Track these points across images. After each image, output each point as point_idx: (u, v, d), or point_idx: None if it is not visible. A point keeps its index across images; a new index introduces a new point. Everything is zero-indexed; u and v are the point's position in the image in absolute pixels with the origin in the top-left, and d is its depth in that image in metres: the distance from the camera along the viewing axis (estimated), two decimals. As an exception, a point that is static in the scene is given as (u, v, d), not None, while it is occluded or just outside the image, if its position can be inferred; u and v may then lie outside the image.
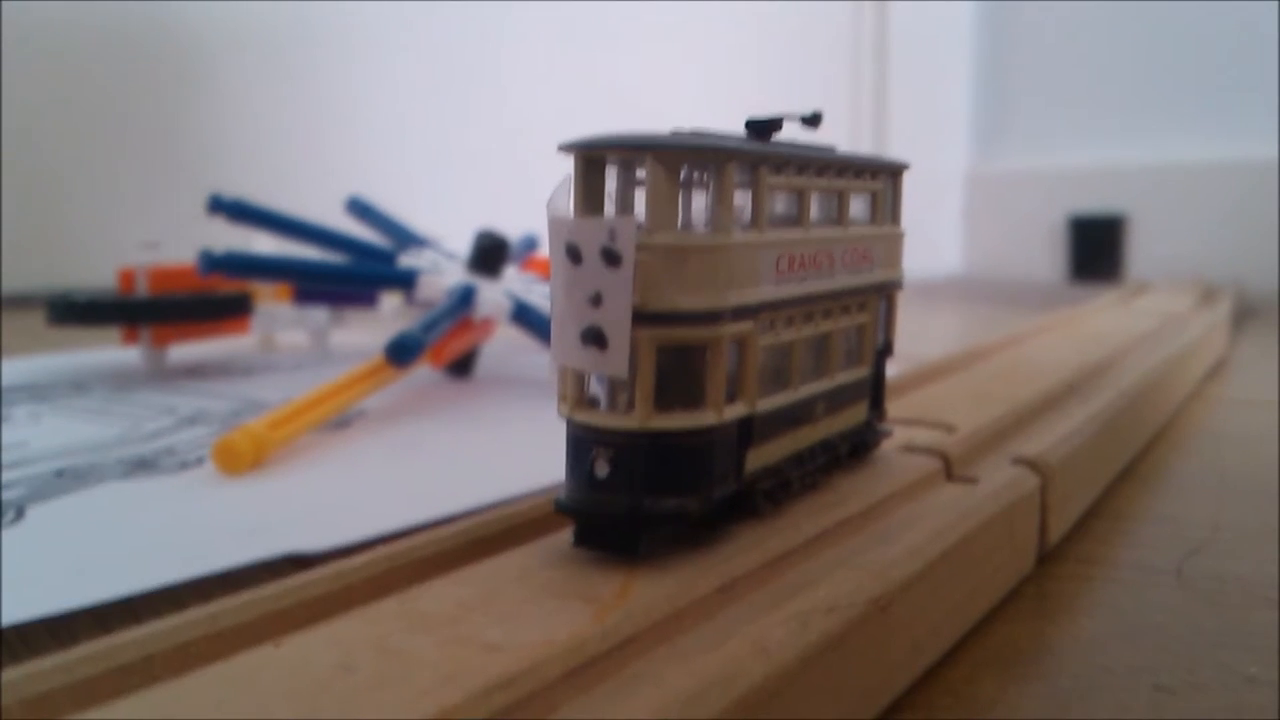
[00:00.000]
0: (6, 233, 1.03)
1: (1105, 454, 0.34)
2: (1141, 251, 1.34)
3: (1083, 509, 0.31)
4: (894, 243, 0.27)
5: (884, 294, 0.26)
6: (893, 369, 0.29)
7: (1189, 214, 1.28)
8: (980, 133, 1.58)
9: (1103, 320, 0.63)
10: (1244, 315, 0.88)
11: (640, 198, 0.19)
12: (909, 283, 0.28)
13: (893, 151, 1.39)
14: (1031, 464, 0.27)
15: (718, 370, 0.19)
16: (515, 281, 0.58)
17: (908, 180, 0.28)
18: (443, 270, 0.57)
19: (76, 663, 0.15)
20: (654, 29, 1.40)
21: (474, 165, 1.26)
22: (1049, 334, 0.56)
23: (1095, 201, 1.39)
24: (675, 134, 0.20)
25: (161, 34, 1.09)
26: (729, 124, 0.23)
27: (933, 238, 1.55)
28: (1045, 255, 1.45)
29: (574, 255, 0.19)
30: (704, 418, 0.19)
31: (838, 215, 0.24)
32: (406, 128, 1.23)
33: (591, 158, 0.20)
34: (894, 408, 0.31)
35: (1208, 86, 1.29)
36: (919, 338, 0.74)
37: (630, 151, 0.20)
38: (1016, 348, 0.50)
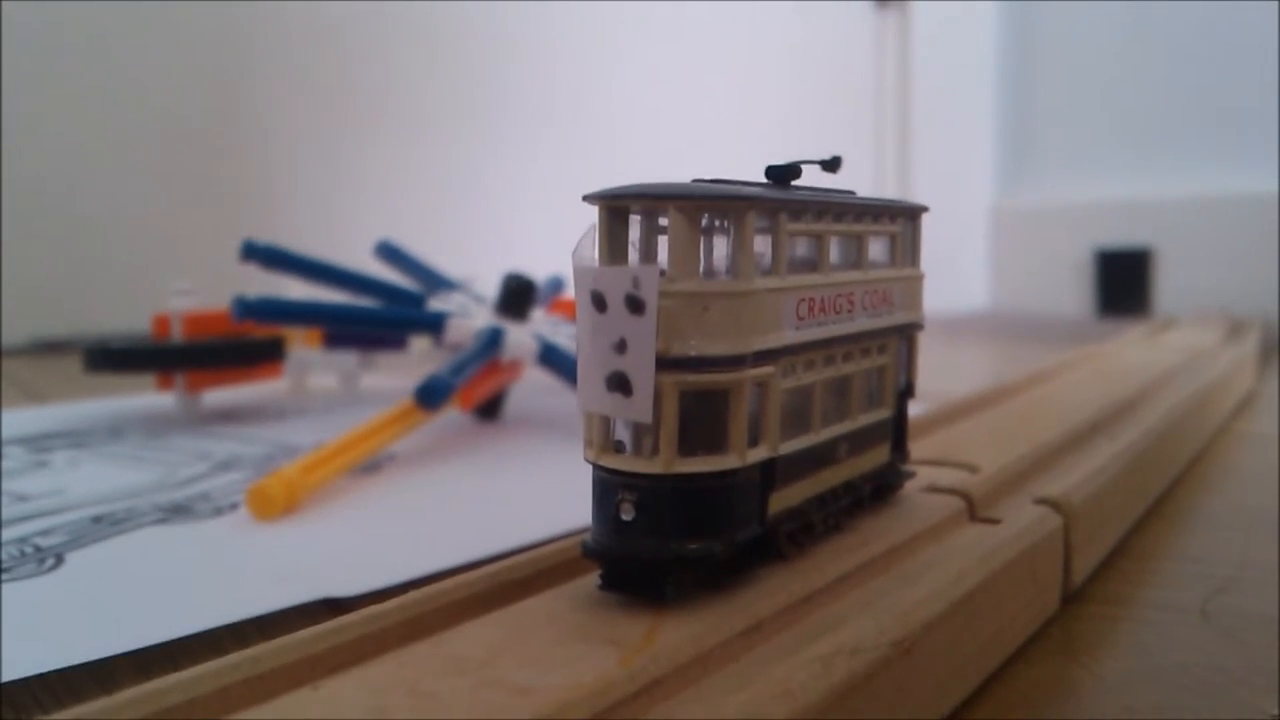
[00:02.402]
0: (44, 279, 1.05)
1: (1130, 493, 0.34)
2: (1169, 285, 1.33)
3: (1108, 548, 0.31)
4: (914, 284, 0.27)
5: (904, 336, 0.27)
6: (917, 408, 0.30)
7: (1216, 247, 1.27)
8: (1005, 167, 1.58)
9: (1129, 356, 0.63)
10: (1272, 349, 0.87)
11: (663, 246, 0.20)
12: (935, 319, 0.28)
13: (917, 187, 1.40)
14: (1054, 504, 0.27)
15: (740, 414, 0.20)
16: (542, 323, 0.59)
17: (932, 215, 0.28)
18: (471, 313, 0.58)
19: (123, 706, 0.16)
20: (678, 70, 1.42)
21: (501, 207, 1.28)
22: (1074, 371, 0.56)
23: (1121, 235, 1.39)
24: (696, 183, 0.21)
25: (197, 82, 1.12)
26: (752, 167, 0.23)
27: (958, 273, 1.55)
28: (1072, 289, 1.44)
29: (599, 303, 0.19)
30: (727, 461, 0.20)
31: (857, 259, 0.24)
32: (435, 172, 1.25)
33: (615, 208, 0.20)
34: (917, 448, 0.32)
35: (1234, 118, 1.29)
36: (945, 375, 0.74)
37: (652, 201, 0.20)
38: (1041, 385, 0.50)
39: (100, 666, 0.25)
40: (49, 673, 0.24)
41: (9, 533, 0.36)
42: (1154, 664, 0.23)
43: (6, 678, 0.24)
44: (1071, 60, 1.47)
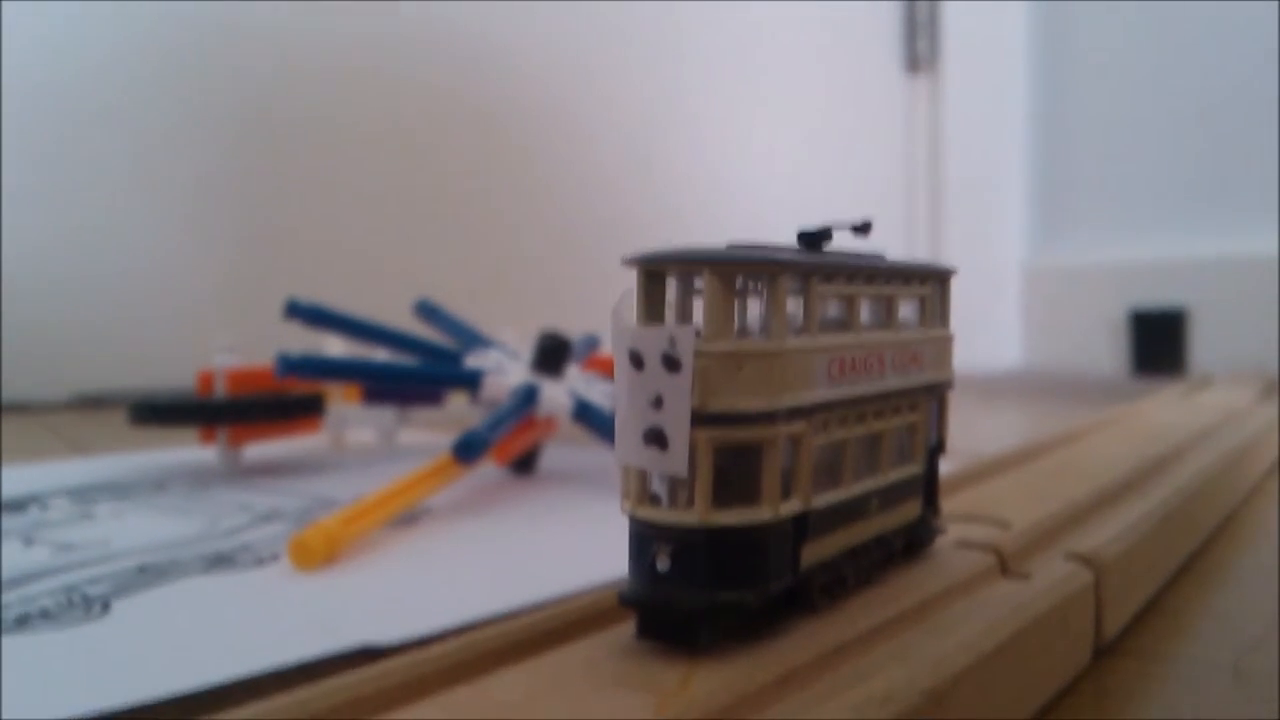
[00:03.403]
0: (90, 334, 1.08)
1: (1162, 550, 0.34)
2: (1204, 345, 1.32)
3: (1139, 605, 0.31)
4: (943, 345, 0.28)
5: (935, 394, 0.27)
6: (948, 465, 0.30)
7: (1252, 307, 1.27)
8: (1037, 226, 1.59)
9: (1163, 415, 0.63)
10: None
11: (698, 307, 0.21)
12: (968, 378, 0.29)
13: (949, 246, 1.40)
14: (1086, 560, 0.28)
15: (773, 468, 0.20)
16: (577, 380, 0.60)
17: (965, 274, 0.29)
18: (507, 370, 0.59)
19: (176, 745, 0.16)
20: (709, 132, 1.44)
21: (536, 267, 1.29)
22: (1108, 429, 0.56)
23: (1156, 295, 1.38)
24: (731, 247, 0.21)
25: (241, 139, 1.15)
26: (784, 228, 0.24)
27: (991, 332, 1.55)
28: (1106, 349, 1.44)
29: (636, 361, 0.20)
30: (760, 514, 0.20)
31: (887, 320, 0.25)
32: (471, 233, 1.27)
33: (652, 270, 0.21)
34: (949, 504, 0.32)
35: (1269, 177, 1.29)
36: (977, 433, 0.75)
37: (689, 265, 0.21)
38: (1074, 443, 0.50)
39: (146, 711, 0.25)
40: (96, 716, 0.25)
41: (56, 581, 0.37)
42: (1185, 720, 0.23)
43: (59, 721, 0.25)
44: (1104, 119, 1.48)
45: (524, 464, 0.59)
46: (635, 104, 1.38)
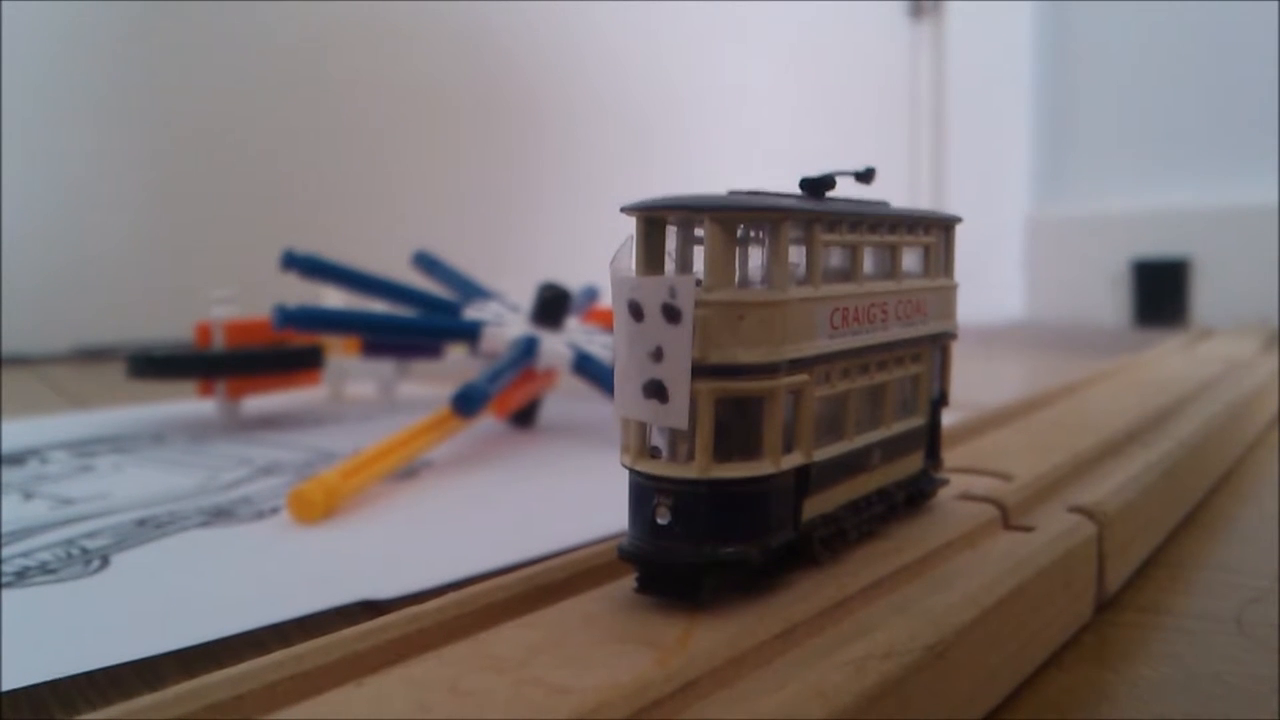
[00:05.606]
0: (88, 288, 1.07)
1: (1165, 502, 0.34)
2: (1206, 295, 1.32)
3: (1142, 557, 0.31)
4: (947, 294, 0.27)
5: (938, 345, 0.27)
6: (951, 417, 0.30)
7: (1255, 257, 1.26)
8: (1041, 176, 1.58)
9: (1165, 367, 0.63)
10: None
11: (699, 256, 0.20)
12: (969, 329, 0.28)
13: (952, 197, 1.39)
14: (1089, 512, 0.27)
15: (775, 421, 0.20)
16: (577, 332, 0.60)
17: (968, 225, 0.28)
18: (506, 322, 0.58)
19: (171, 702, 0.16)
20: (712, 81, 1.42)
21: (537, 217, 1.29)
22: (1110, 381, 0.55)
23: (1159, 245, 1.38)
24: (732, 195, 0.21)
25: (237, 92, 1.13)
26: (786, 177, 0.24)
27: (994, 283, 1.54)
28: (1108, 300, 1.43)
29: (636, 312, 0.20)
30: (762, 467, 0.20)
31: (890, 269, 0.25)
32: (473, 181, 1.26)
33: (652, 218, 0.21)
34: (951, 456, 0.32)
35: (1272, 127, 1.28)
36: (980, 385, 0.74)
37: (689, 212, 0.20)
38: (1076, 395, 0.50)
39: (146, 665, 0.25)
40: (95, 670, 0.25)
41: (56, 535, 0.37)
42: (1188, 672, 0.23)
43: (55, 675, 0.24)
44: (1109, 68, 1.46)
45: (523, 417, 0.59)
46: (635, 51, 1.36)
